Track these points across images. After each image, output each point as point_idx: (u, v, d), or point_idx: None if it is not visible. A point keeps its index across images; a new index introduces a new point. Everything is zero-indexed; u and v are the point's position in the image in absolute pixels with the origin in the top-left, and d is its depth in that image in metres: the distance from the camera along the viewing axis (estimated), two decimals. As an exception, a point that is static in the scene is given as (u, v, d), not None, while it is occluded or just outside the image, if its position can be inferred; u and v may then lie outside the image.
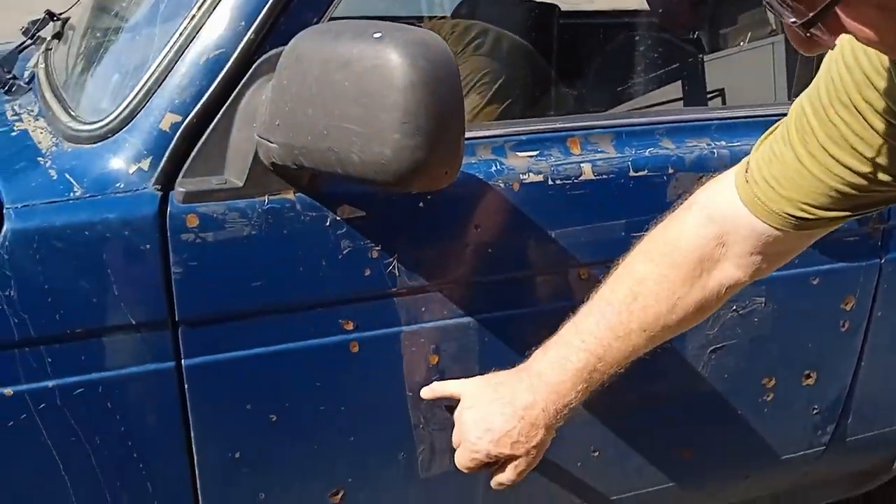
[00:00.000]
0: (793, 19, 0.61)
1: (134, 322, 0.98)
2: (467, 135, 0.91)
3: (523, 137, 1.14)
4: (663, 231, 0.99)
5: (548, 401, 0.99)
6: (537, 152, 1.13)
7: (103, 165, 0.99)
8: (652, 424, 1.33)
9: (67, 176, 0.98)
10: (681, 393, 1.33)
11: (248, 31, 0.99)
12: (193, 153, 0.99)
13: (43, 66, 1.33)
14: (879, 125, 0.79)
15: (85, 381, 0.98)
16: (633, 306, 0.97)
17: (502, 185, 1.10)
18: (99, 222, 0.94)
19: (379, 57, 0.78)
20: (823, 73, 0.84)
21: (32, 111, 1.18)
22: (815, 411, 1.45)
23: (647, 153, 1.17)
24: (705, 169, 1.19)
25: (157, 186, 0.98)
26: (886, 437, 1.57)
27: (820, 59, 0.88)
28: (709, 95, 1.88)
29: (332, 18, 1.01)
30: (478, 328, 1.15)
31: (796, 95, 0.90)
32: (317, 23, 0.99)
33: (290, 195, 1.01)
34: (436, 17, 2.27)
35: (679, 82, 1.87)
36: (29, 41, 1.53)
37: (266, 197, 1.00)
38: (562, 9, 2.26)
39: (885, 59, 0.75)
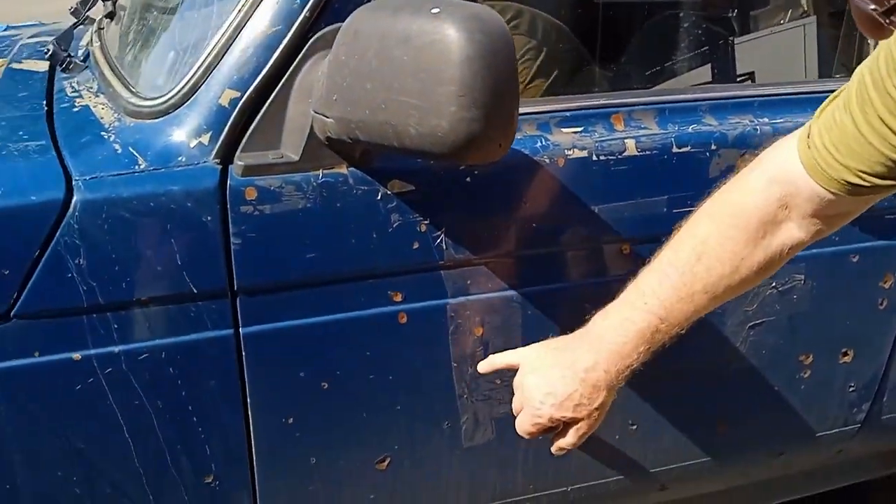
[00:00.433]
0: (873, 6, 0.63)
1: (195, 291, 1.02)
2: (514, 111, 0.93)
3: (568, 114, 1.16)
4: (727, 192, 0.99)
5: (609, 362, 0.99)
6: (582, 128, 1.15)
7: (165, 140, 1.03)
8: (688, 399, 1.36)
9: (131, 150, 1.02)
10: (718, 368, 1.35)
11: (303, 9, 1.02)
12: (251, 128, 1.03)
13: (98, 44, 1.38)
14: None
15: (149, 347, 1.03)
16: (696, 267, 0.97)
17: (548, 160, 1.12)
18: (163, 194, 0.98)
19: (437, 32, 0.81)
20: (883, 44, 0.85)
21: (92, 88, 1.22)
22: (851, 389, 1.46)
23: (690, 129, 1.19)
24: (748, 145, 1.20)
25: (216, 160, 1.02)
26: (922, 416, 1.58)
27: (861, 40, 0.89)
28: (738, 78, 1.88)
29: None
30: (521, 301, 1.18)
31: (851, 70, 0.92)
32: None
33: (344, 169, 1.04)
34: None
35: (708, 65, 1.87)
36: (80, 21, 1.58)
37: (320, 171, 1.03)
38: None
39: None
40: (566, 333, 1.17)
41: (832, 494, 1.77)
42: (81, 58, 1.38)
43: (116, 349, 1.02)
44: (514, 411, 1.06)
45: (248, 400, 1.10)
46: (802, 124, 1.25)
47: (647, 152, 1.16)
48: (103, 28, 1.49)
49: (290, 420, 1.13)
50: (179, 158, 1.01)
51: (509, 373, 1.21)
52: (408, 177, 1.07)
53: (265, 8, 1.03)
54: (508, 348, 1.19)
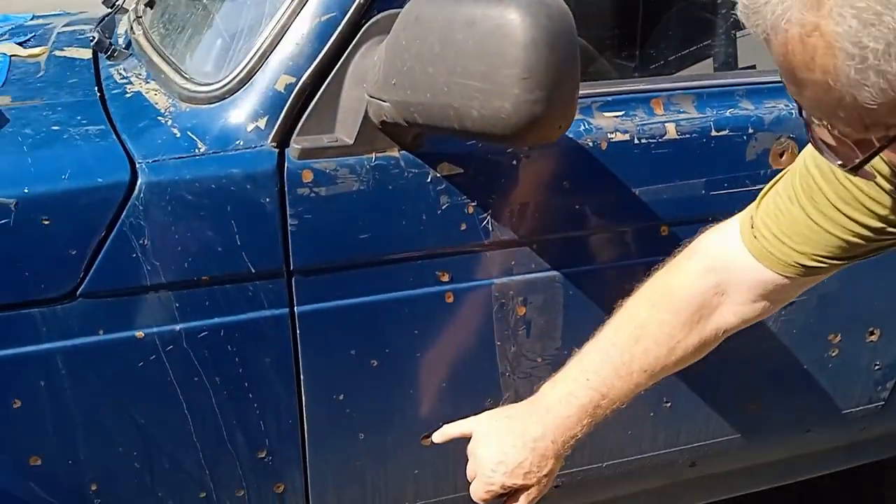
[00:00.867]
0: (839, 162, 0.67)
1: (253, 270, 1.05)
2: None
3: (609, 98, 1.19)
4: (665, 277, 1.04)
5: (556, 433, 1.03)
6: (623, 112, 1.18)
7: (222, 124, 1.06)
8: (722, 377, 1.39)
9: (190, 134, 1.05)
10: (751, 348, 1.38)
11: (356, -5, 1.05)
12: (306, 113, 1.05)
13: (140, 31, 1.40)
14: (891, 188, 0.82)
15: (208, 326, 1.06)
16: (634, 349, 1.02)
17: (591, 143, 1.15)
18: (224, 177, 1.01)
19: (501, 16, 0.83)
20: None
21: (140, 74, 1.25)
22: (876, 367, 1.50)
23: (727, 113, 1.21)
24: (783, 129, 1.23)
25: (273, 144, 1.05)
26: (943, 395, 1.61)
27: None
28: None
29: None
30: (563, 281, 1.21)
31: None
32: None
33: (395, 153, 1.07)
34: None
35: (710, 59, 1.91)
36: (117, 8, 1.60)
37: (373, 154, 1.06)
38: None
39: None
40: (606, 315, 1.21)
41: (848, 473, 1.81)
42: (123, 45, 1.41)
43: (177, 327, 1.05)
44: (468, 477, 1.08)
45: (301, 377, 1.13)
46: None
47: (687, 136, 1.19)
48: (141, 16, 1.51)
49: (341, 397, 1.16)
50: (237, 142, 1.04)
51: (551, 351, 1.25)
52: (456, 160, 1.10)
53: (320, -6, 1.05)
54: (550, 327, 1.23)
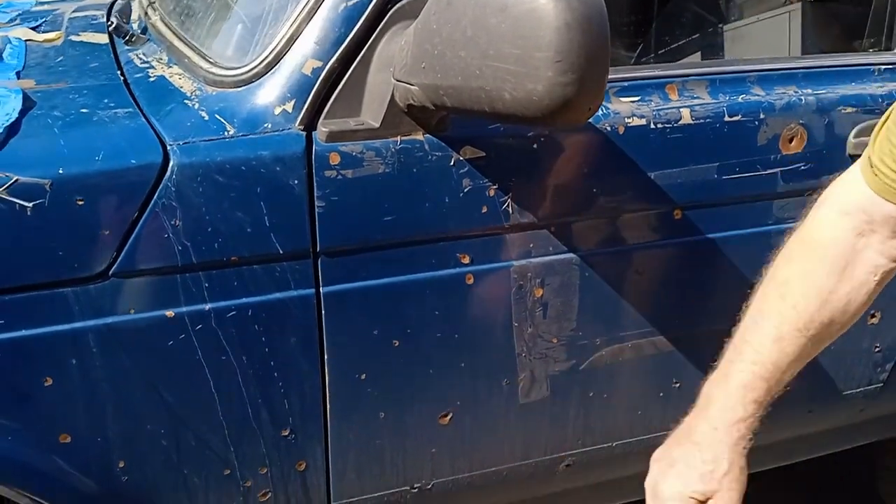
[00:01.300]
0: None
1: (281, 251, 1.07)
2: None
3: (625, 84, 1.22)
4: (799, 233, 1.00)
5: (722, 423, 0.97)
6: (639, 98, 1.21)
7: (250, 107, 1.07)
8: (729, 358, 1.43)
9: (218, 117, 1.07)
10: (757, 328, 1.42)
11: (383, -19, 1.06)
12: (333, 96, 1.07)
13: (157, 17, 1.41)
14: None
15: (236, 305, 1.08)
16: (782, 307, 0.96)
17: (608, 128, 1.18)
18: (254, 159, 1.03)
19: (535, 0, 0.86)
20: None
21: (162, 59, 1.26)
22: (876, 349, 1.54)
23: (739, 99, 1.25)
24: (793, 115, 1.27)
25: (300, 127, 1.06)
26: (940, 376, 1.66)
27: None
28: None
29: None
30: (580, 264, 1.24)
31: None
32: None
33: (420, 136, 1.10)
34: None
35: (699, 53, 1.95)
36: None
37: (399, 138, 1.09)
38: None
39: None
40: (621, 296, 1.24)
41: (843, 455, 1.86)
42: (139, 31, 1.42)
43: (207, 307, 1.07)
44: None
45: (325, 357, 1.15)
46: (843, 95, 1.32)
47: (702, 121, 1.22)
48: (155, 1, 1.52)
49: (363, 376, 1.18)
50: (265, 125, 1.06)
51: (567, 332, 1.28)
52: (479, 143, 1.12)
53: (346, -21, 1.07)
54: (566, 309, 1.26)
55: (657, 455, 1.02)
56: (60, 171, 0.97)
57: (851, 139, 1.32)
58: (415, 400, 1.24)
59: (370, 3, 1.06)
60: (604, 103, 1.19)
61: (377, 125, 1.07)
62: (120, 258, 1.01)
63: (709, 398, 1.00)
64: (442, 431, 1.28)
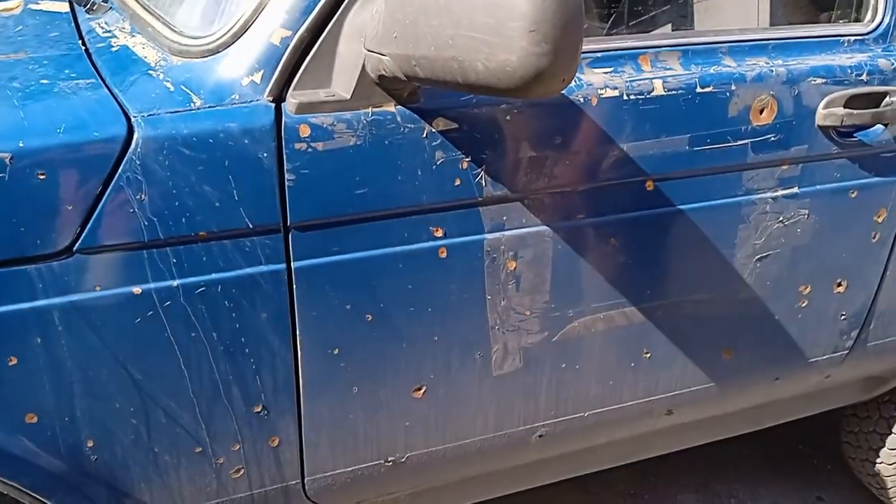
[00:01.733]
0: None
1: (251, 226, 1.05)
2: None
3: (598, 55, 1.21)
4: None
5: None
6: (612, 69, 1.20)
7: (217, 78, 1.05)
8: (700, 327, 1.44)
9: (184, 88, 1.04)
10: (727, 298, 1.44)
11: (351, -52, 1.04)
12: (302, 67, 1.05)
13: (119, -15, 1.37)
14: None
15: (205, 281, 1.06)
16: None
17: (581, 99, 1.17)
18: (222, 131, 1.01)
19: (509, -29, 0.84)
20: None
21: (124, 28, 1.22)
22: (842, 317, 1.57)
23: (711, 70, 1.24)
24: (763, 86, 1.27)
25: (269, 98, 1.04)
26: (902, 343, 1.70)
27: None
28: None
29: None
30: (552, 236, 1.24)
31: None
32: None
33: (392, 108, 1.08)
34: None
35: (668, 26, 1.94)
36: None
37: (370, 109, 1.07)
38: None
39: None
40: (593, 267, 1.23)
41: (812, 420, 1.91)
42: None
43: (175, 283, 1.05)
44: None
45: (297, 332, 1.14)
46: (813, 66, 1.33)
47: (674, 92, 1.21)
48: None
49: (336, 351, 1.18)
50: (233, 96, 1.03)
51: (539, 304, 1.28)
52: (452, 115, 1.11)
53: (312, -53, 1.04)
54: (539, 281, 1.26)
55: None
56: (21, 145, 0.94)
57: (821, 110, 1.33)
58: (388, 374, 1.23)
59: (339, -30, 1.04)
60: (578, 75, 1.18)
61: (348, 96, 1.05)
62: (84, 234, 0.99)
63: None
64: (415, 405, 1.28)
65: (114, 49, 1.16)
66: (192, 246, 1.04)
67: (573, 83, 1.17)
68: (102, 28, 1.24)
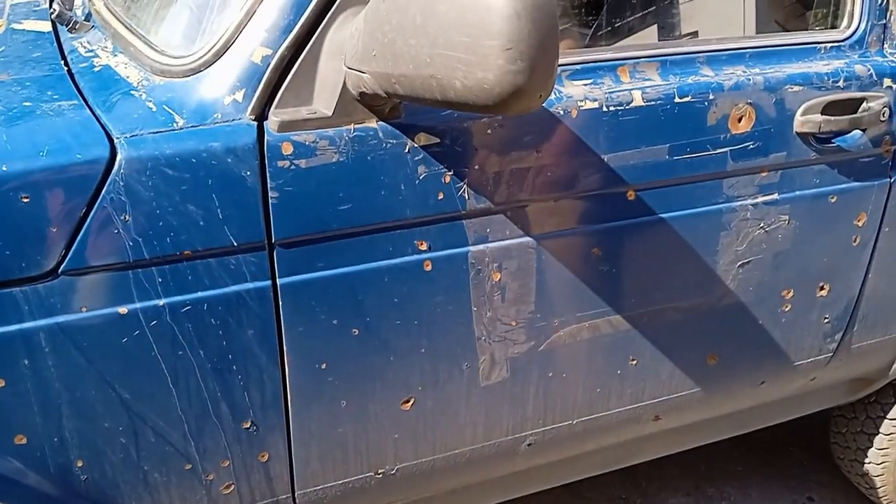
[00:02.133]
0: None
1: (236, 244, 1.06)
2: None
3: (577, 67, 1.22)
4: None
5: None
6: (591, 81, 1.21)
7: (199, 98, 1.05)
8: (685, 334, 1.46)
9: (166, 108, 1.05)
10: (711, 305, 1.45)
11: (330, -33, 1.05)
12: (284, 85, 1.06)
13: (101, 2, 1.37)
14: None
15: (191, 300, 1.06)
16: None
17: (561, 112, 1.19)
18: (205, 150, 1.01)
19: (484, -11, 0.85)
20: None
21: (106, 48, 1.23)
22: (825, 321, 1.59)
23: (689, 80, 1.26)
24: (741, 95, 1.29)
25: (251, 117, 1.05)
26: (886, 345, 1.71)
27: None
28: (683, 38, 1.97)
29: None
30: (536, 247, 1.25)
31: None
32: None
33: (374, 124, 1.09)
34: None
35: (654, 26, 1.96)
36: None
37: (352, 126, 1.08)
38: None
39: None
40: (577, 276, 1.24)
41: (801, 421, 1.92)
42: (83, 17, 1.38)
43: (161, 302, 1.05)
44: None
45: (285, 348, 1.14)
46: (790, 74, 1.34)
47: (653, 102, 1.23)
48: (98, -13, 1.48)
49: (323, 366, 1.18)
50: (215, 116, 1.04)
51: (525, 315, 1.29)
52: (434, 130, 1.12)
53: (291, -34, 1.05)
54: (524, 292, 1.27)
55: None
56: (4, 168, 0.95)
57: (799, 117, 1.35)
58: (376, 387, 1.24)
59: (319, -11, 1.05)
60: (556, 87, 1.20)
61: (330, 113, 1.06)
62: (69, 256, 0.99)
63: None
64: (404, 417, 1.29)
65: (96, 69, 1.17)
66: (177, 265, 1.05)
67: (553, 95, 1.18)
68: (85, 48, 1.25)
